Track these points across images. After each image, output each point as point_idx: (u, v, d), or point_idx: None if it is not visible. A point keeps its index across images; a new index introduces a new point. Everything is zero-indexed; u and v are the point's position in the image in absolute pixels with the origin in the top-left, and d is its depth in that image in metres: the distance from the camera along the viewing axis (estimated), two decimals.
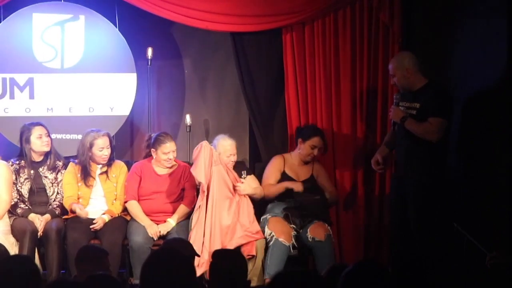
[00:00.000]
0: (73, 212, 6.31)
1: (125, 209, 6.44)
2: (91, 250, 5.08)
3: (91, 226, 6.22)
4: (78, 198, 6.37)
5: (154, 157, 6.42)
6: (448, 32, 6.50)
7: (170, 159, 6.37)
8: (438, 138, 5.85)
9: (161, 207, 6.39)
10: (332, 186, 6.69)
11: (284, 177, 6.54)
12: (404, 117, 5.94)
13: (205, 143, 6.29)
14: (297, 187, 6.42)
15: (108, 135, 6.41)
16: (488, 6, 6.04)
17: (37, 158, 6.41)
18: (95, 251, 5.03)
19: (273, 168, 6.58)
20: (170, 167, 6.45)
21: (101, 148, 6.35)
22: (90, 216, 6.30)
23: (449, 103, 5.94)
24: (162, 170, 6.45)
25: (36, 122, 6.41)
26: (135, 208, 6.35)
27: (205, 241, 6.10)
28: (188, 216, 6.37)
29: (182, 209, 6.37)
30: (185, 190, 6.44)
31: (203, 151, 6.21)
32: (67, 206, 6.34)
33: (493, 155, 5.96)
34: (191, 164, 6.41)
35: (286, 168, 6.57)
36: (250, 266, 5.94)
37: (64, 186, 6.37)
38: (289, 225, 6.33)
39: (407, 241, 6.04)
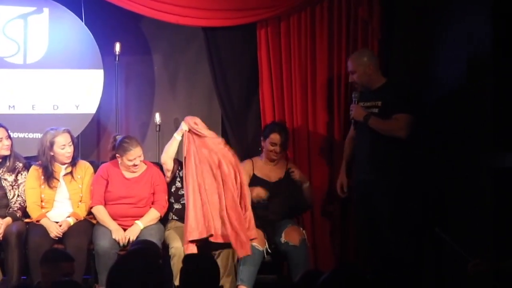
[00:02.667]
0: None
1: (90, 212, 6.30)
2: (55, 254, 4.96)
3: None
4: (41, 201, 6.22)
5: (119, 162, 6.28)
6: (430, 29, 6.46)
7: (136, 165, 6.24)
8: (406, 135, 5.85)
9: (129, 212, 6.23)
10: (308, 185, 6.51)
11: (254, 179, 6.43)
12: (367, 115, 5.91)
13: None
14: (258, 193, 6.26)
15: (69, 132, 6.27)
16: (472, 3, 5.99)
17: None
18: (59, 255, 4.92)
19: None
20: (138, 170, 6.30)
21: (63, 146, 6.21)
22: (54, 220, 6.16)
23: (414, 99, 5.94)
24: (130, 174, 6.31)
25: None
26: (101, 213, 6.20)
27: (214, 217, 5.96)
28: (158, 221, 6.24)
29: (152, 212, 6.23)
30: (155, 193, 6.30)
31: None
32: (33, 215, 6.17)
33: (476, 157, 5.89)
34: (160, 165, 6.34)
35: (255, 170, 6.46)
36: (222, 271, 5.76)
37: (27, 191, 6.22)
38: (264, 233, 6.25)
39: (379, 247, 5.98)
